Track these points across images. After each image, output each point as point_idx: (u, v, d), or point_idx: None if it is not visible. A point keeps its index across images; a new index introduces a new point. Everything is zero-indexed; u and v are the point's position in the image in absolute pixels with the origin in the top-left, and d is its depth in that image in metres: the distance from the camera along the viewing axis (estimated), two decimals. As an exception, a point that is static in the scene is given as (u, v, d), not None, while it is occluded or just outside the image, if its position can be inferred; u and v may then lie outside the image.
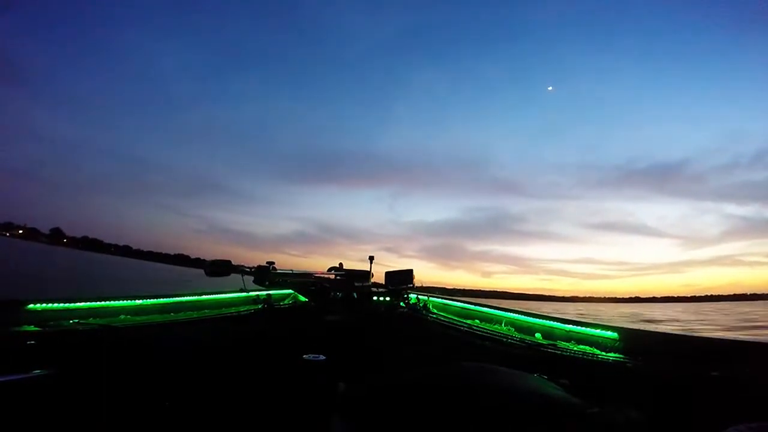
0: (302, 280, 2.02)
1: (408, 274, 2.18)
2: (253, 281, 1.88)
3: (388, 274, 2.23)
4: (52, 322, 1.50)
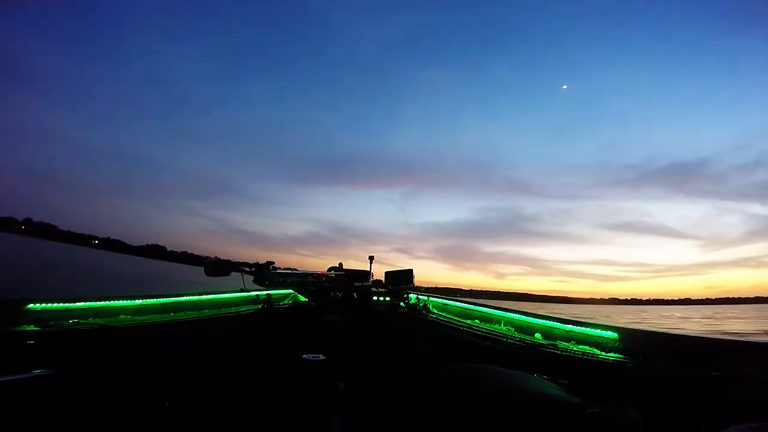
0: (302, 280, 2.02)
1: (408, 274, 2.18)
2: (253, 281, 1.88)
3: (388, 274, 2.22)
4: (52, 322, 1.50)
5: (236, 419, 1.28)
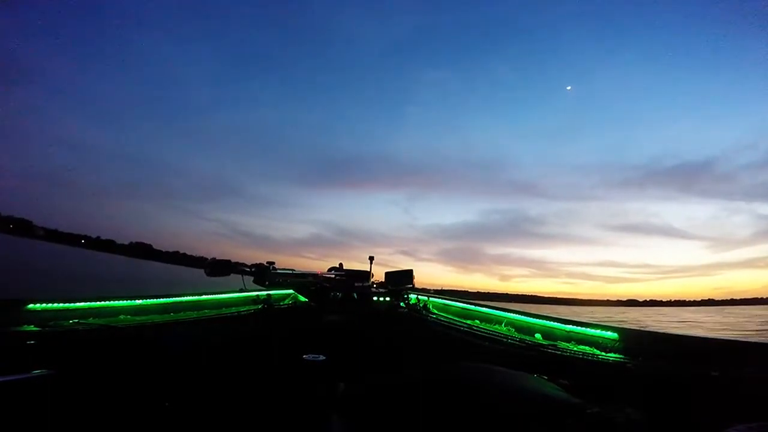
0: (302, 280, 2.02)
1: (408, 274, 2.18)
2: (253, 281, 1.88)
3: (388, 274, 2.22)
4: (52, 322, 1.50)
5: (236, 419, 1.28)
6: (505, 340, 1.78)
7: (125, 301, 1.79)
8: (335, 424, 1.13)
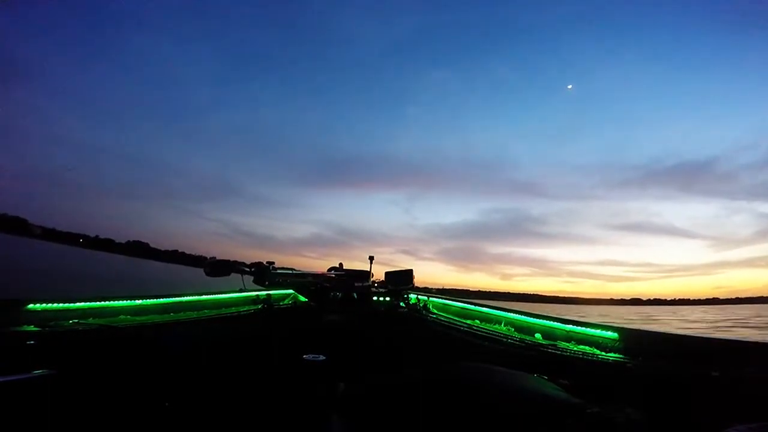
0: (302, 280, 2.02)
1: (408, 274, 2.18)
2: (253, 281, 1.88)
3: (388, 274, 2.22)
4: (52, 322, 1.50)
5: (236, 419, 1.28)
6: (505, 340, 1.78)
7: (125, 301, 1.79)
8: (335, 424, 1.13)
